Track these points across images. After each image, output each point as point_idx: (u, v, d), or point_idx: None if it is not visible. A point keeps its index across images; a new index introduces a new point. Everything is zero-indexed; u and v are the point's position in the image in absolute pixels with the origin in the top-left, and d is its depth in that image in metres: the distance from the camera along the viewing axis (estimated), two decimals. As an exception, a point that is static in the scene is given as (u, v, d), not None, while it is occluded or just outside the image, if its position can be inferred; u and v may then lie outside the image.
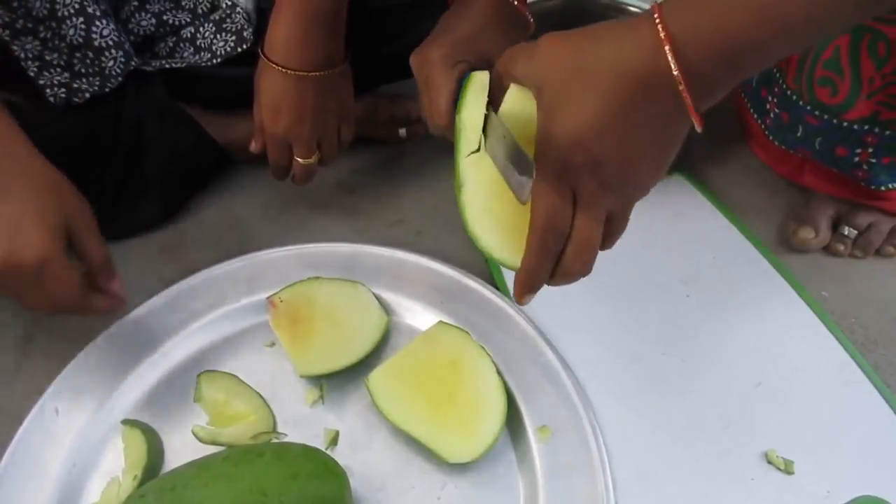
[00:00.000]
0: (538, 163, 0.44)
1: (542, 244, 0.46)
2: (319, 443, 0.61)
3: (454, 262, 0.72)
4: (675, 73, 0.39)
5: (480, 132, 0.50)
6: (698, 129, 0.41)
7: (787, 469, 0.58)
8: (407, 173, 0.87)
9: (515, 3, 0.60)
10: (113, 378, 0.64)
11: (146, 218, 0.79)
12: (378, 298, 0.69)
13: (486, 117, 0.49)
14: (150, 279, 0.74)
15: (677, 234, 0.74)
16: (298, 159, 0.72)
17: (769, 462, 0.58)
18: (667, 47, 0.38)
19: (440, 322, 0.66)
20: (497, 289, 0.70)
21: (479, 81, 0.52)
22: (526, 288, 0.48)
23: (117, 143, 0.76)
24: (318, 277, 0.70)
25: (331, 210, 0.83)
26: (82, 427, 0.61)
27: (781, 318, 0.68)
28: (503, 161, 0.47)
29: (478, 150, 0.50)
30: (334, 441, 0.61)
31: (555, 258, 0.47)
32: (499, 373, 0.62)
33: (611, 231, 0.47)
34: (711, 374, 0.64)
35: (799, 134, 0.72)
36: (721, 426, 0.61)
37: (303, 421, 0.63)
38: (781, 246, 0.77)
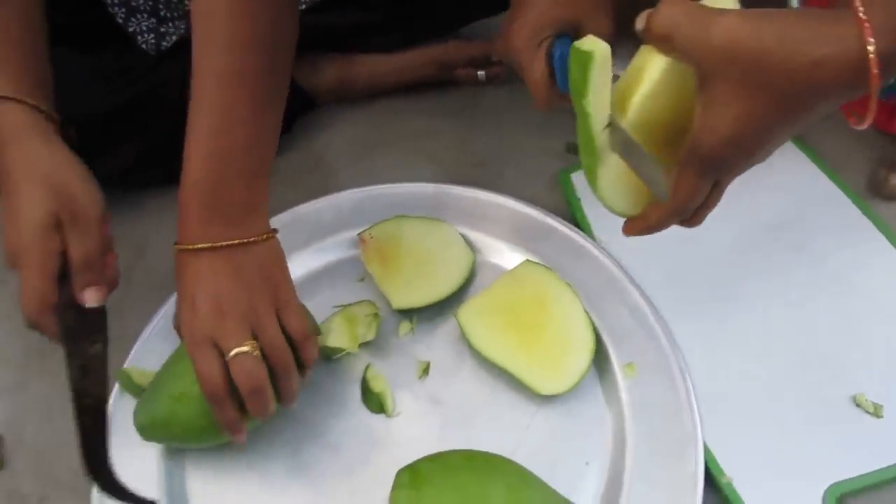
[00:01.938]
0: (690, 152, 0.42)
1: (673, 215, 0.47)
2: (412, 372, 0.64)
3: (537, 204, 0.73)
4: (875, 72, 0.35)
5: (609, 110, 0.47)
6: (865, 125, 0.39)
7: (877, 413, 0.58)
8: (487, 116, 0.87)
9: None
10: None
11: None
12: (463, 237, 0.71)
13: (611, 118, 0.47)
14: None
15: (766, 181, 0.73)
16: (230, 353, 0.51)
17: (858, 405, 0.59)
18: (870, 47, 0.35)
19: (527, 260, 0.68)
20: (581, 230, 0.71)
21: (601, 57, 0.44)
22: (640, 233, 0.50)
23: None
24: (405, 215, 0.72)
25: (411, 153, 0.84)
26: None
27: (871, 265, 0.67)
28: (630, 160, 0.47)
29: (608, 125, 0.47)
30: (426, 371, 0.64)
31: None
32: (585, 310, 0.64)
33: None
34: (800, 317, 0.64)
35: (892, 81, 0.70)
36: (809, 369, 0.61)
37: (395, 351, 0.65)
38: (871, 193, 0.75)
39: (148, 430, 0.57)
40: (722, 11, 0.39)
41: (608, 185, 0.49)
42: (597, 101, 0.45)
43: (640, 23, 0.43)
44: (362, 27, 0.83)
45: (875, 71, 0.35)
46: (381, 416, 0.62)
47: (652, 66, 0.44)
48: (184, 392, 0.55)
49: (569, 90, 0.47)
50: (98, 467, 0.54)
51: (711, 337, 0.64)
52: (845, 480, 0.55)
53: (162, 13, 0.74)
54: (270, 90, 0.55)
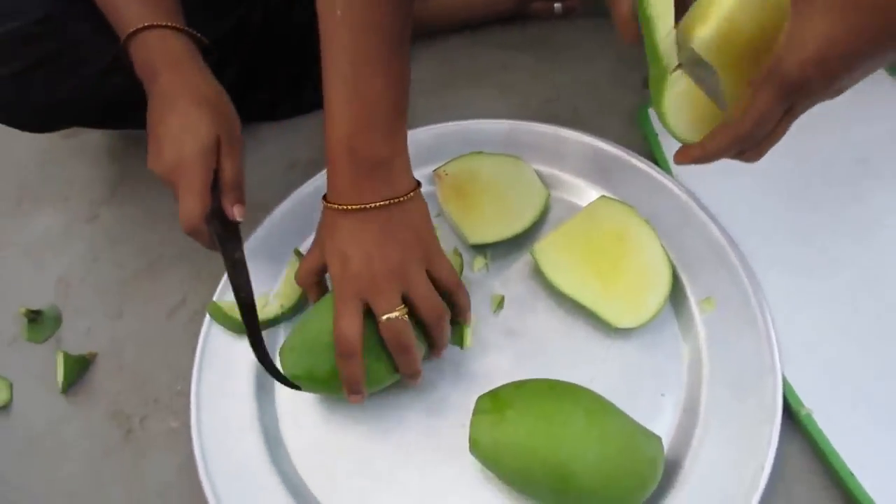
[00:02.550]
0: (770, 71, 0.41)
1: (737, 141, 0.45)
2: (487, 306, 0.65)
3: (613, 140, 0.72)
4: None
5: (673, 15, 0.46)
6: None
7: (966, 349, 0.57)
8: (563, 50, 0.86)
9: None
10: (295, 239, 0.70)
11: (313, 99, 0.83)
12: (538, 174, 0.71)
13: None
14: (319, 152, 0.79)
15: (857, 111, 0.70)
16: (381, 317, 0.53)
17: (945, 346, 0.58)
18: None
19: (603, 196, 0.67)
20: (659, 166, 0.70)
21: None
22: (694, 161, 0.48)
23: (291, 28, 0.79)
24: (480, 152, 0.72)
25: (486, 86, 0.84)
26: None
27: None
28: (699, 78, 0.45)
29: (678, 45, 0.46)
30: (500, 304, 0.65)
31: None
32: (662, 246, 0.64)
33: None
34: (885, 255, 0.62)
35: None
36: (890, 308, 0.60)
37: (470, 286, 0.66)
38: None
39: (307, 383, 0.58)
40: None
41: (672, 103, 0.48)
42: (659, 5, 0.44)
43: None
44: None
45: None
46: (456, 349, 0.63)
47: None
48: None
49: None
50: (257, 345, 0.59)
51: (792, 272, 0.62)
52: (929, 415, 0.54)
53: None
54: (401, 35, 0.55)
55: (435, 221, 0.70)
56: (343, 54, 0.53)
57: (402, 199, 0.55)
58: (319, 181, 0.72)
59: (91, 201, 0.82)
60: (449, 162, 0.72)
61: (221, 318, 0.65)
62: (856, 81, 0.42)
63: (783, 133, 0.45)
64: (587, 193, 0.70)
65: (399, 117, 0.56)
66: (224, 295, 0.66)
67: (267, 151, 0.83)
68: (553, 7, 0.86)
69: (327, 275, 0.57)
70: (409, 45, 0.57)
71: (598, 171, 0.71)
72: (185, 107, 0.59)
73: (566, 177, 0.72)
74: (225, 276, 0.68)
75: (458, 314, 0.59)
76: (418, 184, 0.58)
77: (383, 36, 0.53)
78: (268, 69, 0.81)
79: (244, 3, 0.76)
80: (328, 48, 0.54)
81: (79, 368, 0.69)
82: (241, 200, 0.61)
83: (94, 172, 0.86)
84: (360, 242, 0.54)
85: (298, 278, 0.60)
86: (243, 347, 0.63)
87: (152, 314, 0.72)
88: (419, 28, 0.87)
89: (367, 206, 0.54)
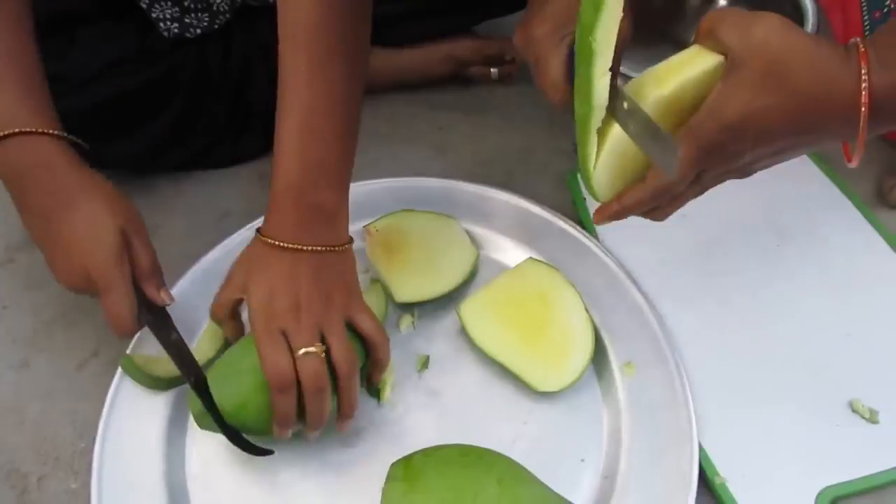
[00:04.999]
0: (694, 130, 0.44)
1: (654, 196, 0.47)
2: (412, 365, 0.64)
3: (543, 203, 0.73)
4: (863, 110, 0.40)
5: (613, 51, 0.46)
6: (853, 165, 0.43)
7: (872, 418, 0.58)
8: (499, 114, 0.88)
9: None
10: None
11: (249, 149, 0.83)
12: (468, 233, 0.71)
13: (613, 88, 0.46)
14: (252, 203, 0.78)
15: (772, 185, 0.73)
16: (299, 351, 0.52)
17: (854, 411, 0.59)
18: (864, 88, 0.40)
19: (530, 258, 0.68)
20: (585, 230, 0.71)
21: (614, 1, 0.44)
22: (611, 217, 0.50)
23: (226, 78, 0.78)
24: (411, 210, 0.72)
25: (421, 145, 0.85)
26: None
27: (873, 272, 0.68)
28: (633, 129, 0.46)
29: (612, 70, 0.47)
30: (425, 364, 0.65)
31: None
32: (586, 309, 0.64)
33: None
34: (799, 321, 0.65)
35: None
36: (807, 372, 0.61)
37: (396, 344, 0.65)
38: (878, 202, 0.75)
39: (230, 414, 0.55)
40: (764, 14, 0.42)
41: (598, 167, 0.48)
42: (603, 41, 0.44)
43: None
44: (377, 20, 0.84)
45: (865, 103, 0.40)
46: (379, 408, 0.62)
47: (693, 64, 0.45)
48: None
49: None
50: (220, 421, 0.55)
51: (710, 339, 0.64)
52: (838, 484, 0.55)
53: (186, 3, 0.74)
54: (358, 86, 0.57)
55: (364, 277, 0.71)
56: (299, 99, 0.54)
57: (338, 248, 0.56)
58: (249, 232, 0.71)
59: (6, 246, 0.79)
60: (379, 218, 0.72)
61: (134, 372, 0.62)
62: (766, 165, 0.46)
63: (693, 196, 0.48)
64: (515, 254, 0.71)
65: (348, 168, 0.58)
66: (139, 348, 0.64)
67: (199, 200, 0.81)
68: (490, 72, 0.88)
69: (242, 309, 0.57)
70: (362, 96, 0.58)
71: (527, 232, 0.72)
72: (80, 204, 0.57)
73: (496, 237, 0.73)
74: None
75: (373, 369, 0.58)
76: (351, 239, 0.58)
77: (341, 86, 0.55)
78: (202, 117, 0.80)
79: (178, 50, 0.76)
80: (286, 91, 0.55)
81: (-24, 423, 0.65)
82: (162, 284, 0.61)
83: (10, 216, 0.82)
84: (289, 280, 0.54)
85: (214, 309, 0.58)
86: (155, 403, 0.61)
87: (61, 365, 0.68)
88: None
89: (304, 247, 0.54)
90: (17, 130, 0.56)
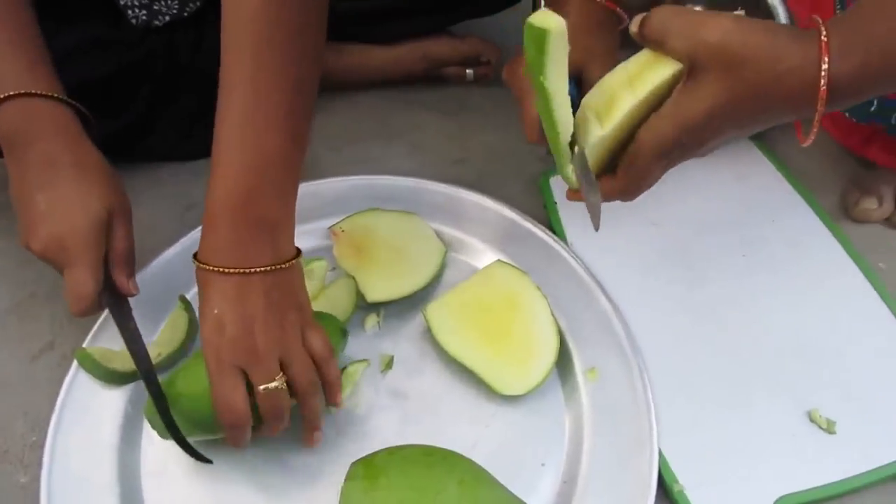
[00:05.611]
0: (651, 131, 0.46)
1: (623, 192, 0.50)
2: (376, 366, 0.64)
3: (514, 205, 0.73)
4: (822, 97, 0.41)
5: (567, 82, 0.47)
6: (806, 144, 0.45)
7: (829, 429, 0.59)
8: (473, 115, 0.87)
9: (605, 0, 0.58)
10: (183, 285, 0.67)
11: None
12: (437, 234, 0.71)
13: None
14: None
15: (739, 195, 0.74)
16: (260, 387, 0.50)
17: (812, 421, 0.60)
18: (823, 74, 0.40)
19: (498, 260, 0.68)
20: (555, 234, 0.71)
21: (557, 33, 0.43)
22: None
23: (196, 68, 0.77)
24: (376, 209, 0.71)
25: (395, 144, 0.84)
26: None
27: (836, 286, 0.68)
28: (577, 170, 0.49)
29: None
30: (389, 365, 0.64)
31: None
32: (552, 314, 0.64)
33: None
34: (761, 332, 0.65)
35: (873, 109, 0.71)
36: (767, 383, 0.62)
37: (360, 344, 0.65)
38: (842, 215, 0.76)
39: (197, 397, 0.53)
40: (713, 14, 0.43)
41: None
42: (554, 78, 0.45)
43: (633, 26, 0.47)
44: (354, 17, 0.83)
45: (823, 91, 0.40)
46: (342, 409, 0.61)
47: (649, 76, 0.46)
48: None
49: None
50: (164, 413, 0.53)
51: (674, 347, 0.64)
52: (795, 493, 0.56)
53: (154, -11, 0.73)
54: (309, 89, 0.53)
55: (331, 275, 0.70)
56: (241, 99, 0.49)
57: (285, 265, 0.51)
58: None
59: (-37, 233, 0.77)
60: (344, 219, 0.71)
61: (90, 365, 0.60)
62: (721, 144, 0.48)
63: (656, 181, 0.50)
64: (484, 256, 0.70)
65: (294, 178, 0.53)
66: (96, 340, 0.63)
67: (164, 191, 0.80)
68: (466, 72, 0.88)
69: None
70: (315, 101, 0.54)
71: (497, 234, 0.72)
72: (73, 175, 0.56)
73: (466, 238, 0.72)
74: (98, 321, 0.65)
75: (328, 391, 0.55)
76: (298, 251, 0.54)
77: (289, 86, 0.50)
78: (172, 108, 0.79)
79: (147, 40, 0.75)
80: (226, 90, 0.50)
81: (-76, 413, 0.63)
82: (133, 273, 0.59)
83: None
84: (238, 308, 0.49)
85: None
86: (110, 398, 0.60)
87: (15, 357, 0.67)
88: (329, 80, 0.87)
89: (250, 270, 0.49)
90: (22, 91, 0.56)
